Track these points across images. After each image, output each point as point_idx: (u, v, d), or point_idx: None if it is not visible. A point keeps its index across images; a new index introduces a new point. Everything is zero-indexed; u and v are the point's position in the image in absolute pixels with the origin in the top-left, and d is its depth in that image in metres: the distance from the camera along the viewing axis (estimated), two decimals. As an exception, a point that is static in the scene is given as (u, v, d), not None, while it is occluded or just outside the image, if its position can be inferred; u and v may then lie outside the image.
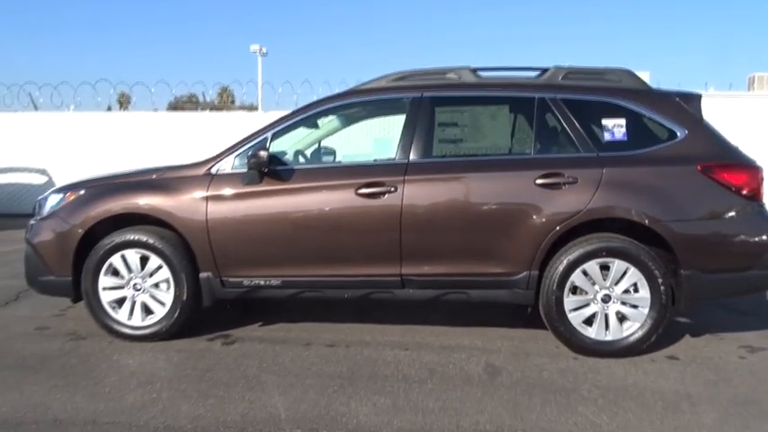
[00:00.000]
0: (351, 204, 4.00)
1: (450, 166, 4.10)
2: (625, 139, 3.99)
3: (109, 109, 17.45)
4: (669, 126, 3.99)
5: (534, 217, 3.89)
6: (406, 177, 3.97)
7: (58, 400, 3.25)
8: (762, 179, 3.95)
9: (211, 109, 15.66)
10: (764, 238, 3.89)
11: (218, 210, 4.09)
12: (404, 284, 4.05)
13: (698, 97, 4.16)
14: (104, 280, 4.20)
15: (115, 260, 4.18)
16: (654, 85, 10.77)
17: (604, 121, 4.03)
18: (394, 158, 4.08)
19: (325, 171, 4.28)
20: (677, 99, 4.10)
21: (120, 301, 4.23)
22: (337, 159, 4.73)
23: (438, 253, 4.00)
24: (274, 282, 4.12)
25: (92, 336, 4.31)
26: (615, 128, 4.01)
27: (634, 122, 4.03)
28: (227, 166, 4.19)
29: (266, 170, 4.04)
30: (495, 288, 4.01)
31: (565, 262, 3.89)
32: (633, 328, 3.91)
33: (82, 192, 4.33)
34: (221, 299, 4.24)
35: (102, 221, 4.18)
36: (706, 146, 3.97)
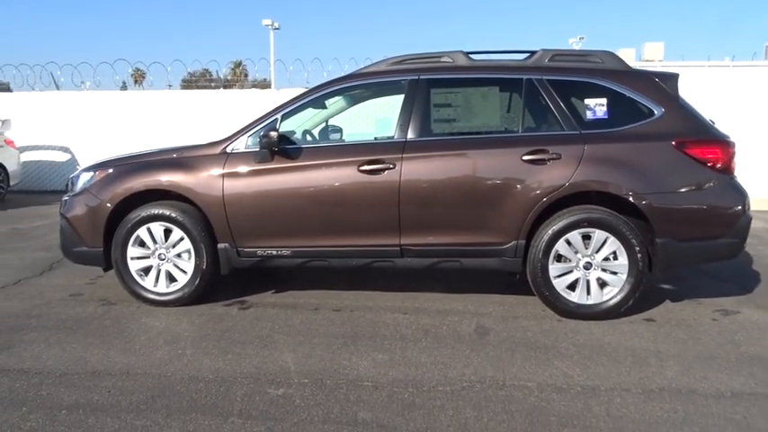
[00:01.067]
0: (354, 180, 4.36)
1: (445, 143, 4.44)
2: (606, 117, 4.30)
3: (124, 86, 17.87)
4: (647, 104, 4.30)
5: (521, 190, 4.23)
6: (403, 155, 4.33)
7: (95, 355, 3.70)
8: (733, 153, 4.25)
9: (225, 85, 15.97)
10: (734, 208, 4.21)
11: (233, 186, 4.48)
12: (403, 254, 4.43)
13: (675, 76, 4.44)
14: (132, 250, 4.63)
15: (142, 232, 4.60)
16: (665, 56, 10.86)
17: (587, 101, 4.34)
18: (393, 137, 4.43)
19: (330, 149, 4.65)
20: (655, 79, 4.39)
21: (147, 270, 4.66)
22: (342, 138, 5.09)
23: (434, 224, 4.36)
24: (285, 252, 4.52)
25: (121, 301, 4.76)
26: (597, 107, 4.32)
27: (614, 101, 4.33)
28: (241, 145, 4.56)
29: (277, 149, 4.41)
30: (485, 257, 4.38)
31: (550, 232, 4.24)
32: (612, 293, 4.27)
33: (110, 170, 4.73)
34: (238, 267, 4.65)
35: (128, 197, 4.59)
36: (681, 123, 4.26)
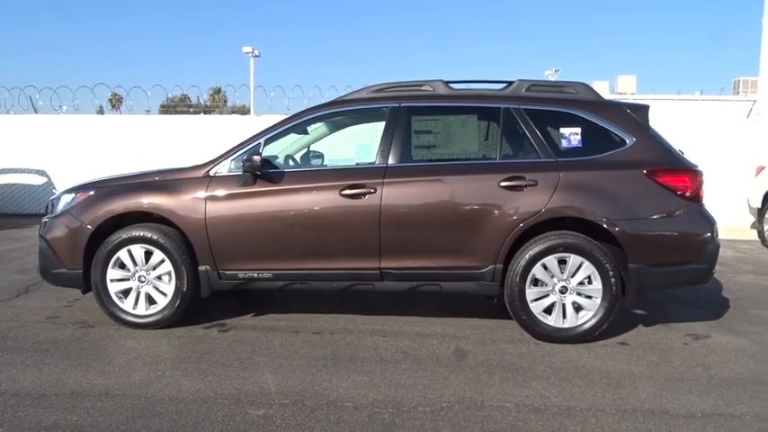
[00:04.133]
0: (335, 204, 4.44)
1: (424, 169, 4.55)
2: (580, 145, 4.46)
3: (101, 110, 17.80)
4: (619, 134, 4.46)
5: (499, 216, 4.34)
6: (384, 180, 4.42)
7: (73, 377, 3.68)
8: (701, 182, 4.42)
9: (204, 111, 15.99)
10: (703, 235, 4.36)
11: (215, 208, 4.52)
12: (383, 277, 4.49)
13: (645, 108, 4.62)
14: (112, 272, 4.62)
15: (122, 254, 4.61)
16: (638, 89, 11.18)
17: (562, 130, 4.49)
18: (374, 162, 4.53)
19: (312, 174, 4.73)
20: (627, 110, 4.57)
21: (126, 292, 4.65)
22: (324, 163, 5.17)
23: (413, 248, 4.45)
24: (266, 274, 4.56)
25: (99, 324, 4.73)
26: (572, 135, 4.47)
27: (588, 131, 4.49)
28: (224, 168, 4.62)
29: (259, 173, 4.48)
30: (464, 280, 4.46)
31: (527, 256, 4.34)
32: (587, 317, 4.37)
33: (92, 192, 4.75)
34: (218, 290, 4.67)
35: (109, 219, 4.60)
36: (652, 152, 4.43)
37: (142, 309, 4.64)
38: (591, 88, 4.71)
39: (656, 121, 4.76)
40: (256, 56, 36.80)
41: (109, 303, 4.65)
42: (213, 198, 4.54)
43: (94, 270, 4.62)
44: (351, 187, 4.43)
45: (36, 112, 12.89)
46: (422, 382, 3.65)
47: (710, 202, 9.37)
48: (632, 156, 4.41)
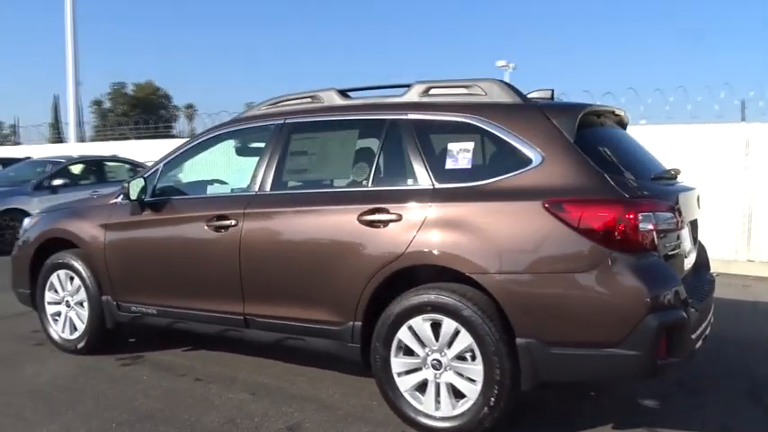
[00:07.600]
0: (202, 237, 3.91)
1: (286, 198, 3.74)
2: (469, 166, 3.21)
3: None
4: (524, 150, 3.09)
5: (355, 260, 3.35)
6: (245, 210, 3.75)
7: None
8: (635, 221, 2.80)
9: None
10: (632, 304, 2.76)
11: (111, 237, 4.35)
12: (248, 324, 3.82)
13: (576, 110, 3.13)
14: (48, 295, 4.76)
15: (53, 278, 4.72)
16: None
17: (450, 145, 3.30)
18: (246, 190, 3.89)
19: (189, 202, 4.22)
20: (543, 114, 3.14)
21: (58, 314, 4.73)
22: (206, 190, 4.58)
23: (273, 294, 3.69)
24: (152, 310, 4.23)
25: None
26: (460, 153, 3.24)
27: (485, 146, 3.24)
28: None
29: (134, 200, 4.17)
30: (324, 337, 3.54)
31: (391, 315, 3.26)
32: (466, 407, 3.10)
33: (43, 215, 4.97)
34: (120, 322, 4.47)
35: (42, 244, 4.73)
36: (563, 175, 2.97)
37: (67, 333, 4.67)
38: (507, 86, 3.36)
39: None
40: (513, 69, 36.18)
41: (45, 324, 4.78)
42: (110, 226, 4.37)
43: (39, 291, 4.79)
44: (216, 218, 3.86)
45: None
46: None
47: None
48: (535, 180, 3.01)
